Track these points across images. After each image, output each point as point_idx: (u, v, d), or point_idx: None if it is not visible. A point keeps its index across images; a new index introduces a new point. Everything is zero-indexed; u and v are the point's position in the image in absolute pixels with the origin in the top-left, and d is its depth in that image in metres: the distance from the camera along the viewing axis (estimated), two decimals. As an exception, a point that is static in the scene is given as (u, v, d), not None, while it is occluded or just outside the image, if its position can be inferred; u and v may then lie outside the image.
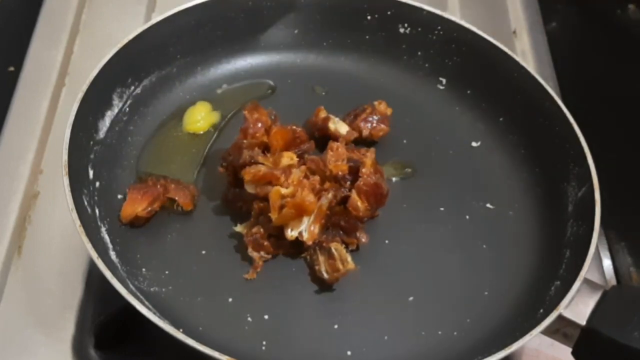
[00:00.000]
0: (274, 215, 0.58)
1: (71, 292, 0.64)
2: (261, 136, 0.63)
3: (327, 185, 0.61)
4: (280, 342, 0.57)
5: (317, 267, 0.60)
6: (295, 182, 0.59)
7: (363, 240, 0.61)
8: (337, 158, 0.62)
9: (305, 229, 0.59)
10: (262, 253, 0.60)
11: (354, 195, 0.61)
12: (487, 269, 0.63)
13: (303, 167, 0.61)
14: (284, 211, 0.58)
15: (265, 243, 0.60)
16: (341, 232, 0.61)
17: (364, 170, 0.61)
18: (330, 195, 0.60)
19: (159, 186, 0.62)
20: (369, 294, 0.60)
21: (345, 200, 0.61)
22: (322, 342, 0.57)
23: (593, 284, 0.57)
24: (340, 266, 0.59)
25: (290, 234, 0.59)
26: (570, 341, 0.57)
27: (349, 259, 0.59)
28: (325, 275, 0.59)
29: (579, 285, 0.56)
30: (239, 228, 0.61)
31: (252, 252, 0.60)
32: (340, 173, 0.62)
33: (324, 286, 0.60)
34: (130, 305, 0.52)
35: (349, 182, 0.62)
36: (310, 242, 0.59)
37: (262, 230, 0.60)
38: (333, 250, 0.59)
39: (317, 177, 0.61)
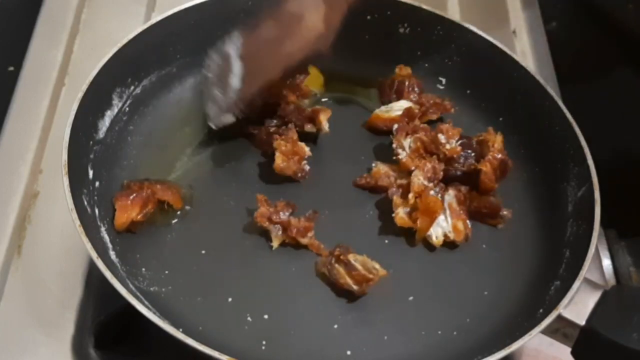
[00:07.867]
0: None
1: (71, 292, 0.64)
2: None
3: (437, 170, 0.64)
4: (280, 342, 0.57)
5: (342, 281, 0.59)
6: (415, 189, 0.62)
7: (508, 215, 0.65)
8: (449, 137, 0.65)
9: (449, 230, 0.63)
10: (277, 227, 0.61)
11: (486, 168, 0.63)
12: (487, 269, 0.63)
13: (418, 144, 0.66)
14: (419, 222, 0.62)
15: (280, 219, 0.61)
16: (487, 218, 0.65)
17: (495, 146, 0.65)
18: (451, 192, 0.64)
19: (145, 189, 0.62)
20: (369, 294, 0.60)
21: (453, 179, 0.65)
22: (322, 342, 0.57)
23: (593, 284, 0.57)
24: (370, 275, 0.58)
25: (436, 240, 0.63)
26: (569, 341, 0.57)
27: (377, 265, 0.59)
28: (355, 287, 0.58)
29: (579, 285, 0.56)
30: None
31: (267, 225, 0.60)
32: (455, 156, 0.65)
33: (324, 286, 0.60)
34: (130, 305, 0.52)
35: (462, 158, 0.65)
36: (460, 239, 0.63)
37: (277, 206, 0.62)
38: (352, 261, 0.59)
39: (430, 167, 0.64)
